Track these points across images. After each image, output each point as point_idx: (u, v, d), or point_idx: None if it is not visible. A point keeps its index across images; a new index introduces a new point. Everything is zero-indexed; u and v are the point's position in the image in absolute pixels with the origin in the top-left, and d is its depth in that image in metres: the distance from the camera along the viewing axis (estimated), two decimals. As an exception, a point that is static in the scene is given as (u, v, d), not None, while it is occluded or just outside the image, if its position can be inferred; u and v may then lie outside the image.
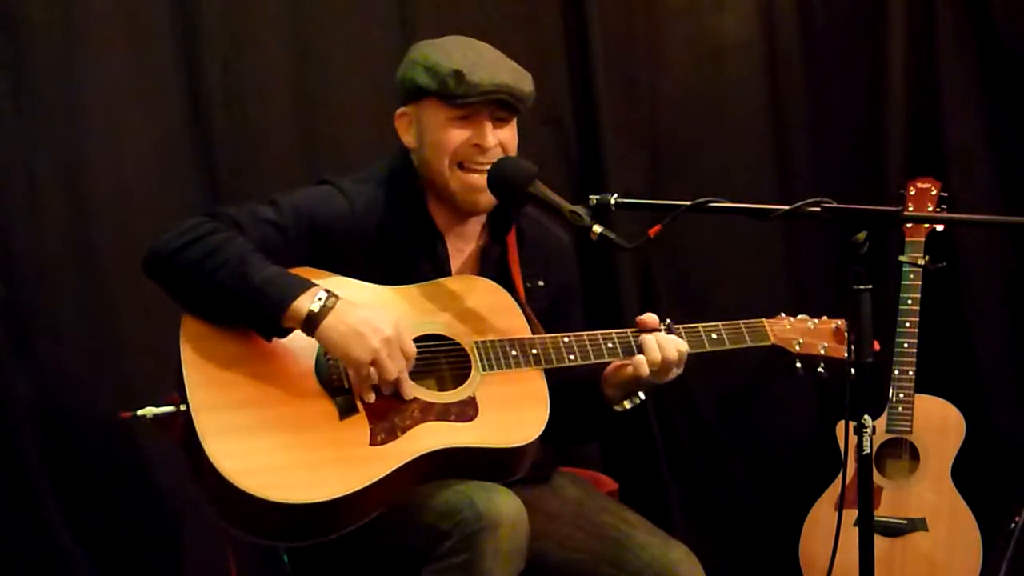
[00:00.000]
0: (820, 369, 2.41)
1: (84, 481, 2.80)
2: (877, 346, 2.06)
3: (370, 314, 2.04)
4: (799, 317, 2.43)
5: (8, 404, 2.71)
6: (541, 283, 2.36)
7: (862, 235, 1.83)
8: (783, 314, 2.43)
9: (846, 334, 2.37)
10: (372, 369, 2.04)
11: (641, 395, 2.28)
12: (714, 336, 2.31)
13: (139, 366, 2.83)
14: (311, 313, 2.00)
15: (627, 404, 2.28)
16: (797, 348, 2.39)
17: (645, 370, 2.18)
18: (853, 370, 2.36)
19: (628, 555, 2.17)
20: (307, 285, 2.03)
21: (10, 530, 2.74)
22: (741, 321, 2.35)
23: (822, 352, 2.40)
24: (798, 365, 2.41)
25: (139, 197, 2.86)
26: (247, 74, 2.97)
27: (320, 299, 2.01)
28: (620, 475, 2.84)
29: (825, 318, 2.44)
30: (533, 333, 2.24)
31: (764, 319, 2.39)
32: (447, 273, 2.28)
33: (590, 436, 2.83)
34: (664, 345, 2.20)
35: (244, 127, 2.96)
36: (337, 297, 2.03)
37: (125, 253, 2.83)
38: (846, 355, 2.34)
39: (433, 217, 2.26)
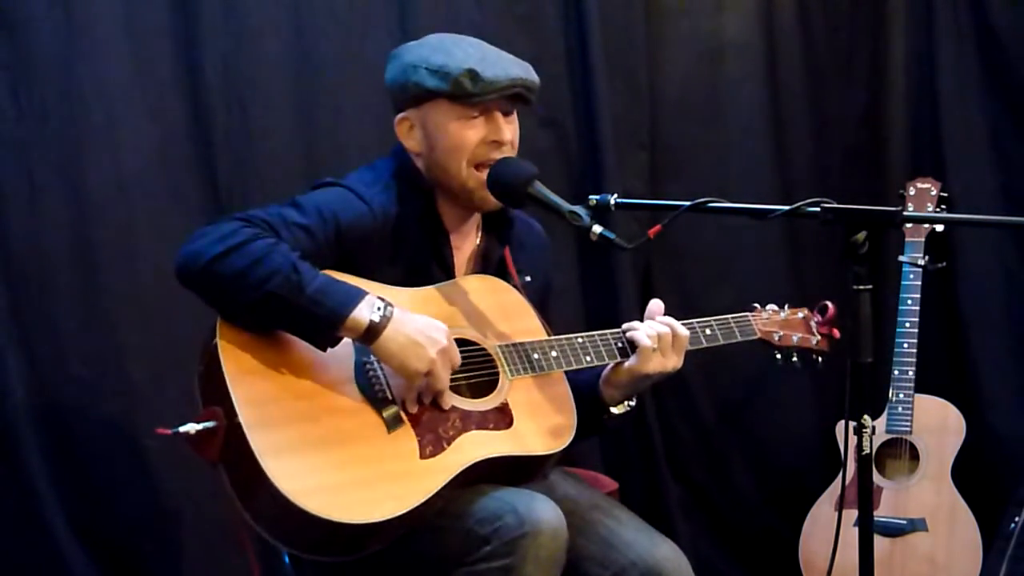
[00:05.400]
0: (794, 359, 2.47)
1: (84, 481, 2.80)
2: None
3: (424, 323, 2.02)
4: (770, 308, 2.47)
5: (8, 404, 2.71)
6: (528, 279, 2.36)
7: (862, 235, 1.84)
8: (757, 305, 2.47)
9: (812, 323, 2.46)
10: (424, 379, 2.02)
11: (632, 401, 2.30)
12: (708, 332, 2.33)
13: (139, 366, 2.82)
14: (372, 324, 1.96)
15: (620, 409, 2.30)
16: (777, 340, 2.44)
17: (646, 343, 2.18)
18: (820, 359, 2.46)
19: (615, 553, 2.16)
20: (362, 294, 1.98)
21: (10, 530, 2.73)
22: (729, 316, 2.38)
23: (795, 342, 2.46)
24: (778, 356, 2.46)
25: (139, 197, 2.85)
26: (247, 74, 2.96)
27: (379, 309, 1.97)
28: (620, 475, 2.84)
29: (789, 307, 2.50)
30: (547, 334, 2.25)
31: (748, 313, 2.43)
32: (452, 273, 2.26)
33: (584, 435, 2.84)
34: (651, 325, 2.22)
35: (244, 127, 2.95)
36: (392, 306, 1.99)
37: (125, 253, 2.83)
38: (814, 343, 2.45)
39: (441, 217, 2.25)
